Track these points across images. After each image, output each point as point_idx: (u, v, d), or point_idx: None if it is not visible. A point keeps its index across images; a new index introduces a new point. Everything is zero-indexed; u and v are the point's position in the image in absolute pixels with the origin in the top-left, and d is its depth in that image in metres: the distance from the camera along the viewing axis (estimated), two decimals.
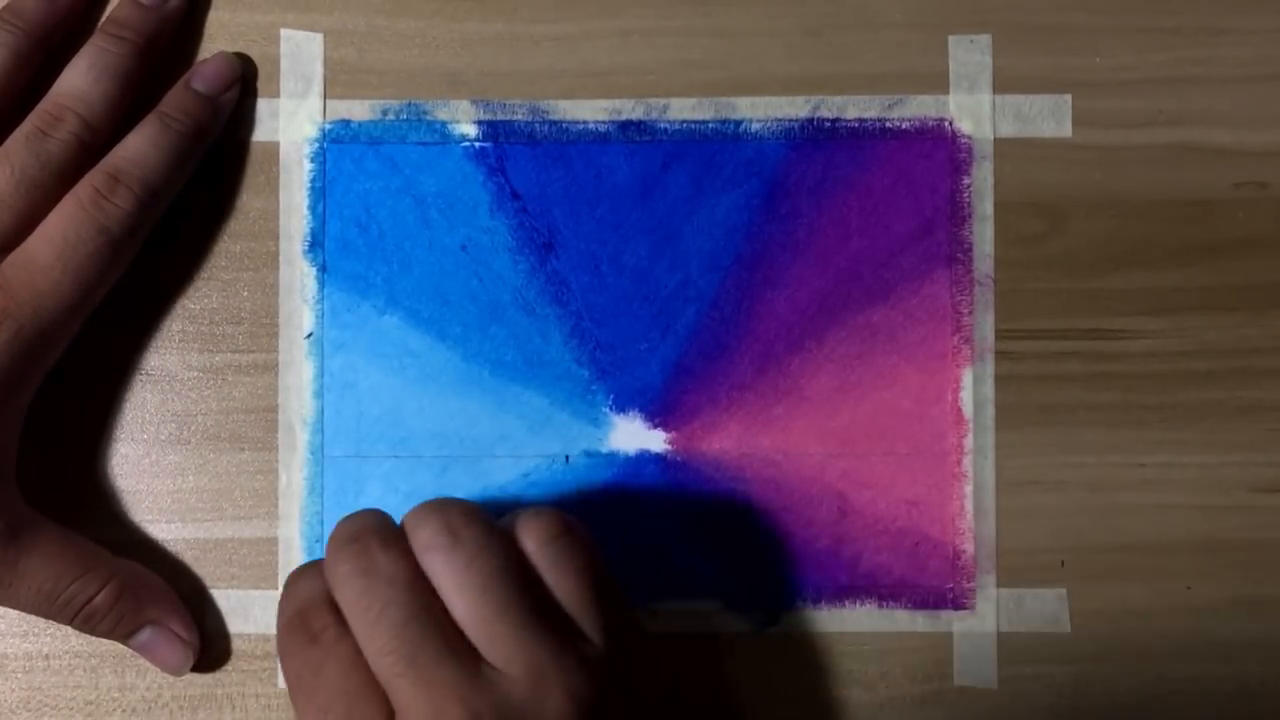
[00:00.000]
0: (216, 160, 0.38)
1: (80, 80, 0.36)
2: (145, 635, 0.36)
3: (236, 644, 0.38)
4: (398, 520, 0.32)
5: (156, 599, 0.37)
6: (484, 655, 0.30)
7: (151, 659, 0.37)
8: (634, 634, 0.33)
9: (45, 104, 0.36)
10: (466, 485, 0.38)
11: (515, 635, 0.30)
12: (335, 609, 0.31)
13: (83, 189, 0.35)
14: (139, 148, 0.36)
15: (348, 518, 0.32)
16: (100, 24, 0.37)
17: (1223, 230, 0.38)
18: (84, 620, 0.35)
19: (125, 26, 0.37)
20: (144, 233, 0.36)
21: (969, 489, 0.38)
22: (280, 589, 0.38)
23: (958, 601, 0.38)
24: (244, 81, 0.38)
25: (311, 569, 0.33)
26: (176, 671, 0.37)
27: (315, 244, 0.38)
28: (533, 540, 0.32)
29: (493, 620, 0.30)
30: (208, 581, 0.38)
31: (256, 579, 0.38)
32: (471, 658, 0.30)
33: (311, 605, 0.31)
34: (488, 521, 0.32)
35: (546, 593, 0.31)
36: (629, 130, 0.38)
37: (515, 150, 0.38)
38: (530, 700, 0.29)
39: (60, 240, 0.34)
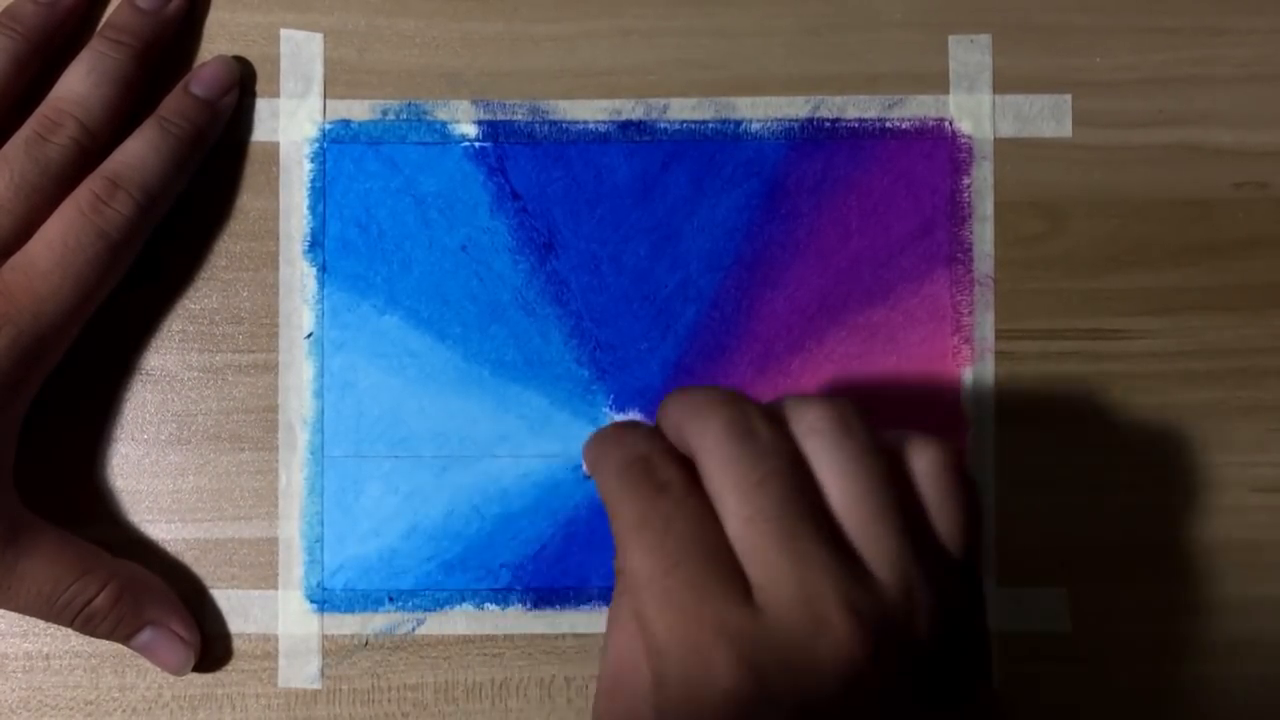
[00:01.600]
0: (216, 160, 0.38)
1: (79, 84, 0.36)
2: (146, 636, 0.36)
3: (236, 644, 0.38)
4: None
5: (156, 599, 0.37)
6: (861, 550, 0.28)
7: (153, 659, 0.37)
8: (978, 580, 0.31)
9: (44, 108, 0.36)
10: (466, 485, 0.38)
11: (894, 541, 0.28)
12: (679, 466, 0.29)
13: (82, 194, 0.35)
14: (138, 152, 0.36)
15: (692, 388, 0.30)
16: (99, 28, 0.37)
17: (1223, 230, 0.38)
18: (84, 622, 0.35)
19: (124, 30, 0.37)
20: (143, 237, 0.36)
21: None
22: (280, 589, 0.38)
23: None
24: (242, 84, 0.38)
25: (637, 426, 0.31)
26: (178, 671, 0.37)
27: (315, 244, 0.38)
28: (926, 463, 0.29)
29: (873, 520, 0.28)
30: (208, 581, 0.38)
31: (256, 579, 0.38)
32: (850, 550, 0.28)
33: (655, 454, 0.29)
34: (871, 427, 0.30)
35: (925, 522, 0.29)
36: (629, 130, 0.38)
37: (515, 150, 0.38)
38: (901, 609, 0.28)
39: (60, 245, 0.34)
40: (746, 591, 0.27)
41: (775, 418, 0.29)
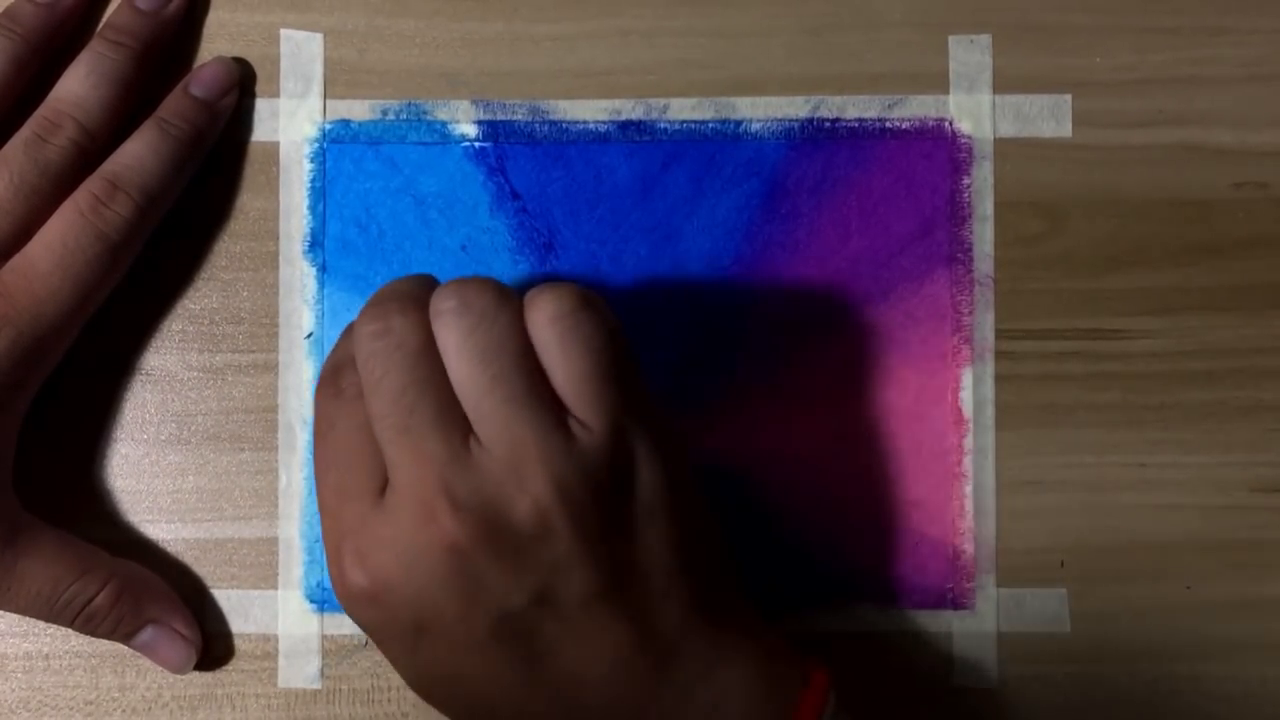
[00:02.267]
0: (216, 160, 0.38)
1: (78, 86, 0.36)
2: (147, 635, 0.36)
3: (237, 644, 0.38)
4: None
5: (156, 598, 0.37)
6: (474, 429, 0.30)
7: (154, 658, 0.37)
8: (651, 429, 0.31)
9: (44, 110, 0.36)
10: None
11: (503, 411, 0.29)
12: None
13: (81, 195, 0.35)
14: (137, 154, 0.36)
15: (394, 280, 0.32)
16: (98, 29, 0.37)
17: (1223, 230, 0.38)
18: (84, 622, 0.35)
19: (123, 32, 0.37)
20: (143, 238, 0.36)
21: (969, 489, 0.38)
22: (280, 589, 0.38)
23: (957, 601, 0.38)
24: (242, 84, 0.38)
25: (350, 330, 0.33)
26: (179, 670, 0.37)
27: (315, 244, 0.38)
28: (541, 315, 0.30)
29: (484, 393, 0.29)
30: (208, 581, 0.38)
31: (256, 579, 0.38)
32: (461, 431, 0.29)
33: (345, 362, 0.32)
34: (504, 293, 0.30)
35: (544, 371, 0.30)
36: (629, 130, 0.38)
37: (515, 150, 0.38)
38: (509, 481, 0.29)
39: (59, 247, 0.34)
40: (381, 488, 0.30)
41: (417, 307, 0.31)
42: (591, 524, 0.30)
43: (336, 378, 0.32)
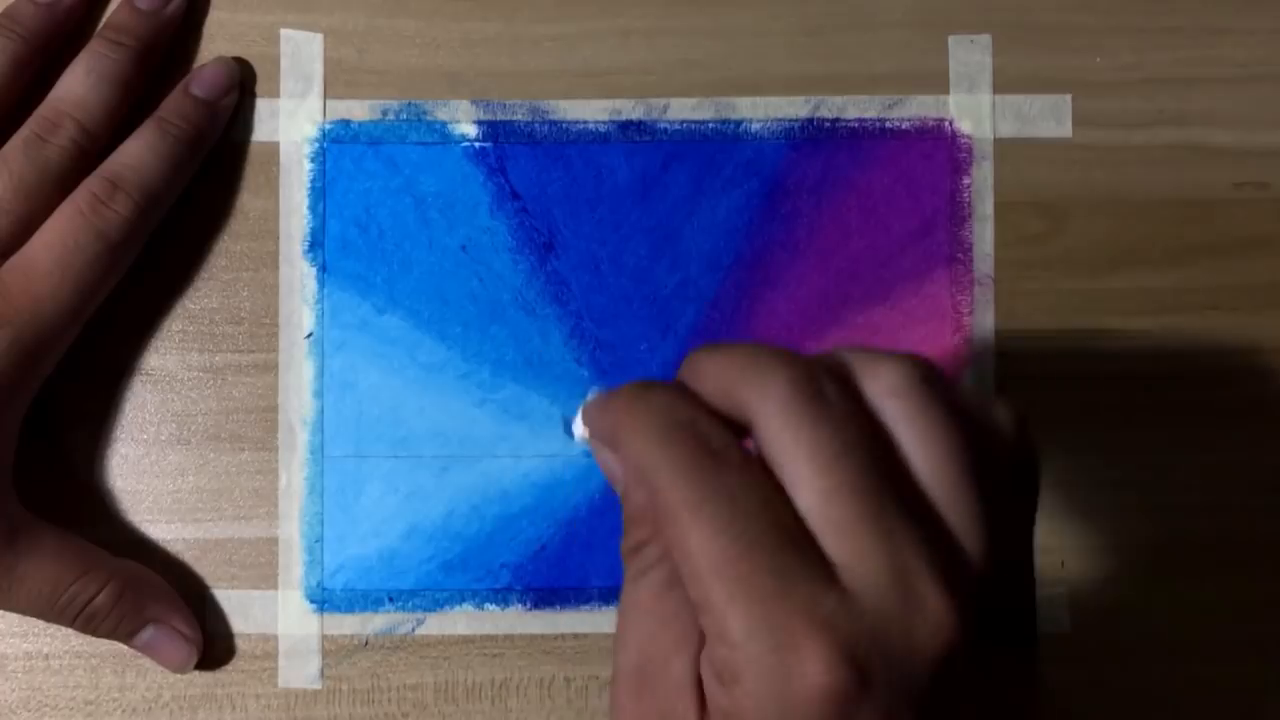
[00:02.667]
0: (216, 160, 0.38)
1: (78, 86, 0.36)
2: (148, 634, 0.36)
3: (237, 644, 0.38)
4: None
5: (157, 597, 0.37)
6: (951, 525, 0.25)
7: (155, 657, 0.37)
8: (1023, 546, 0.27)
9: (43, 109, 0.36)
10: (466, 485, 0.38)
11: (979, 509, 0.25)
12: (732, 431, 0.25)
13: (81, 195, 0.35)
14: (137, 153, 0.36)
15: (740, 344, 0.27)
16: (98, 29, 0.37)
17: (1223, 230, 0.38)
18: (85, 622, 0.35)
19: (123, 31, 0.37)
20: (143, 238, 0.36)
21: None
22: (280, 589, 0.38)
23: None
24: (242, 84, 0.38)
25: (669, 385, 0.27)
26: (180, 669, 0.37)
27: (315, 244, 0.38)
28: (1007, 422, 0.26)
29: (957, 489, 0.25)
30: (208, 581, 0.38)
31: (256, 579, 0.38)
32: (938, 522, 0.25)
33: (699, 417, 0.25)
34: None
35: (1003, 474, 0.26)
36: (629, 130, 0.38)
37: (515, 150, 0.38)
38: (988, 579, 0.25)
39: (59, 246, 0.34)
40: (831, 573, 0.24)
41: (842, 378, 0.26)
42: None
43: (699, 436, 0.25)
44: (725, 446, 0.25)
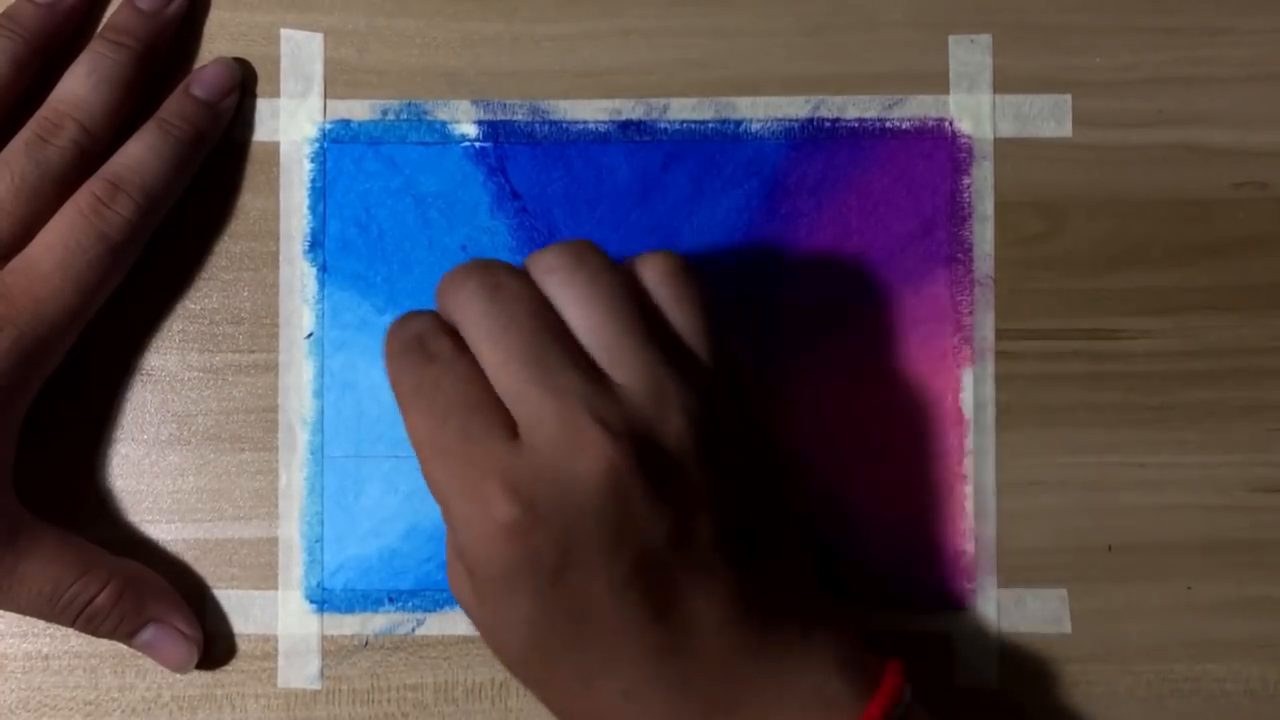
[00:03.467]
0: (217, 160, 0.38)
1: (79, 87, 0.36)
2: (148, 634, 0.36)
3: (237, 644, 0.38)
4: None
5: (158, 597, 0.37)
6: (607, 371, 0.30)
7: (156, 657, 0.37)
8: (739, 369, 0.34)
9: (44, 110, 0.36)
10: None
11: (638, 353, 0.30)
12: (451, 337, 0.31)
13: (83, 196, 0.35)
14: (139, 155, 0.36)
15: (461, 264, 0.33)
16: (99, 29, 0.37)
17: (1223, 230, 0.38)
18: (86, 621, 0.35)
19: (124, 32, 0.37)
20: (144, 239, 0.36)
21: (969, 489, 0.38)
22: (280, 589, 0.38)
23: (958, 601, 0.38)
24: (243, 85, 0.38)
25: (419, 311, 0.33)
26: (181, 669, 0.37)
27: (315, 244, 0.38)
28: (654, 273, 0.32)
29: (616, 337, 0.31)
30: (208, 581, 0.38)
31: (256, 579, 0.38)
32: (597, 371, 0.30)
33: (426, 331, 0.32)
34: (604, 252, 0.32)
35: (664, 322, 0.32)
36: (629, 130, 0.38)
37: (515, 150, 0.38)
38: (653, 416, 0.30)
39: (60, 248, 0.34)
40: (513, 431, 0.30)
41: (519, 271, 0.32)
42: (719, 465, 0.31)
43: (422, 345, 0.31)
44: (439, 349, 0.31)
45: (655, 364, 0.30)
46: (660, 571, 0.30)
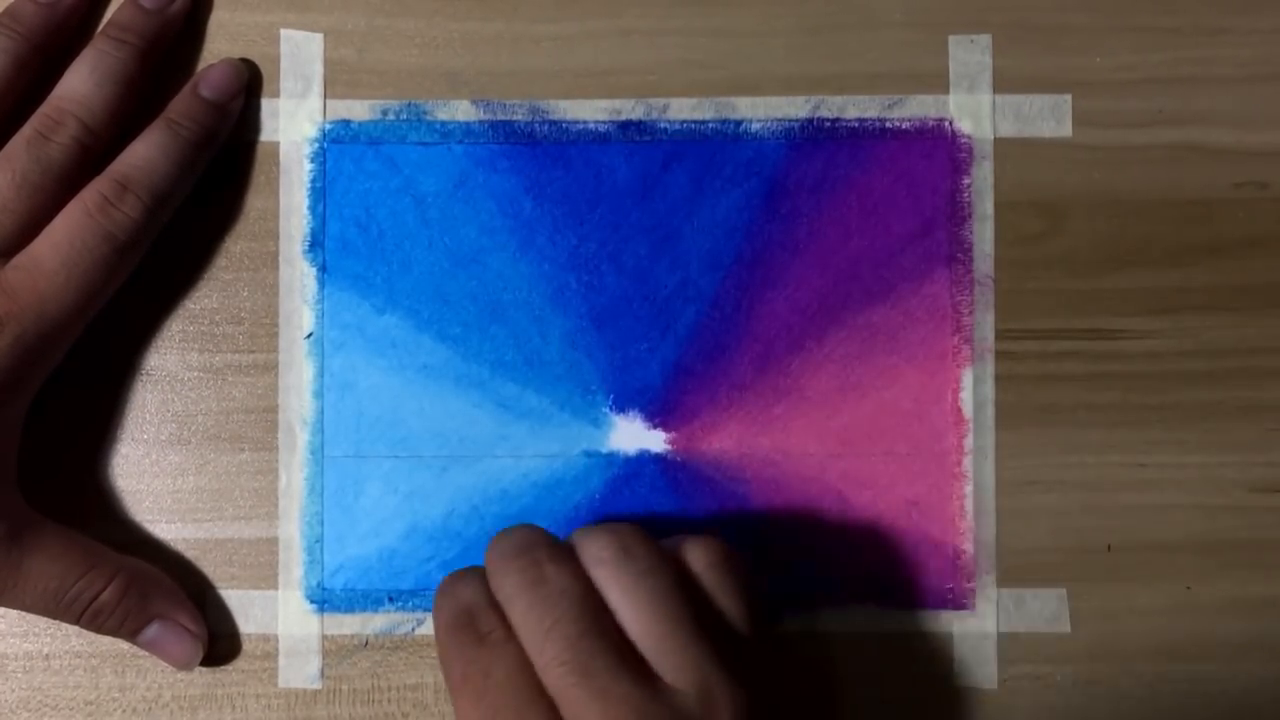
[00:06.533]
0: (217, 160, 0.38)
1: (81, 84, 0.36)
2: (153, 631, 0.36)
3: (237, 644, 0.38)
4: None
5: (162, 593, 0.37)
6: (654, 669, 0.30)
7: (160, 654, 0.37)
8: (778, 650, 0.35)
9: (46, 107, 0.36)
10: (466, 485, 0.38)
11: (686, 650, 0.30)
12: (500, 612, 0.32)
13: (90, 196, 0.35)
14: (147, 155, 0.36)
15: (507, 531, 0.33)
16: (101, 27, 0.37)
17: (1223, 230, 0.38)
18: (91, 618, 0.35)
19: (127, 30, 0.37)
20: (150, 239, 0.36)
21: (969, 489, 0.38)
22: (280, 589, 0.38)
23: (958, 601, 0.38)
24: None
25: (470, 574, 0.33)
26: (185, 666, 0.37)
27: (315, 244, 0.38)
28: (700, 562, 0.32)
29: (665, 635, 0.31)
30: (208, 581, 0.38)
31: (257, 579, 0.38)
32: (644, 671, 0.30)
33: (477, 606, 0.32)
34: (655, 541, 0.33)
35: (713, 613, 0.32)
36: (629, 130, 0.38)
37: (515, 150, 0.38)
38: (701, 716, 0.30)
39: (66, 246, 0.34)
40: None
41: (566, 556, 0.32)
42: None
43: (473, 623, 0.31)
44: (488, 630, 0.31)
45: (703, 662, 0.30)
46: None
